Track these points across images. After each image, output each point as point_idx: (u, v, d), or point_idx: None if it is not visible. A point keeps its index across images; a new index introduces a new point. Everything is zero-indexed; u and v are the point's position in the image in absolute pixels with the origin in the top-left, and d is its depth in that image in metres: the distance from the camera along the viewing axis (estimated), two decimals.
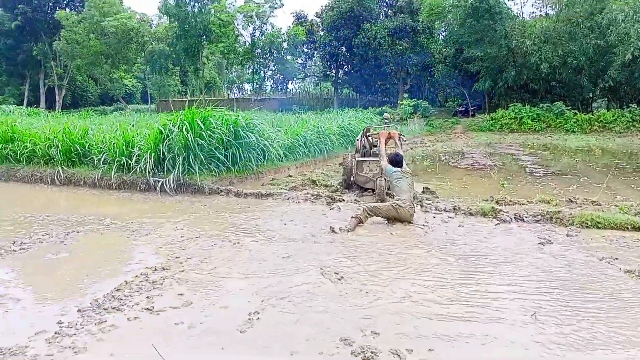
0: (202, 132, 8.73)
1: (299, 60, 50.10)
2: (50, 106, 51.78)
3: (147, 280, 4.04)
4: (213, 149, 8.93)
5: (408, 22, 40.35)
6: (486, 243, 5.16)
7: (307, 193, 7.69)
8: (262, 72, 45.85)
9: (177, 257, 4.62)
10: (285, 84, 52.89)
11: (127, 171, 9.03)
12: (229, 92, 68.03)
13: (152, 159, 8.64)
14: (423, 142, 23.73)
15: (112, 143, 9.41)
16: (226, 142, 9.23)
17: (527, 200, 7.32)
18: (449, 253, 4.79)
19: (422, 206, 6.84)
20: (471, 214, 6.45)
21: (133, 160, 8.92)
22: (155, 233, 5.60)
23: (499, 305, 3.54)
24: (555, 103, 31.06)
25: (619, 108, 34.27)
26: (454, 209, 6.59)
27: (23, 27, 48.39)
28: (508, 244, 5.12)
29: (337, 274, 4.13)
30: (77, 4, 51.86)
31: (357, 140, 9.36)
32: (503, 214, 6.26)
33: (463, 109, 41.41)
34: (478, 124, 33.61)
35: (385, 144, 7.81)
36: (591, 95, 38.21)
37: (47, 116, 21.73)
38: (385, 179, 7.41)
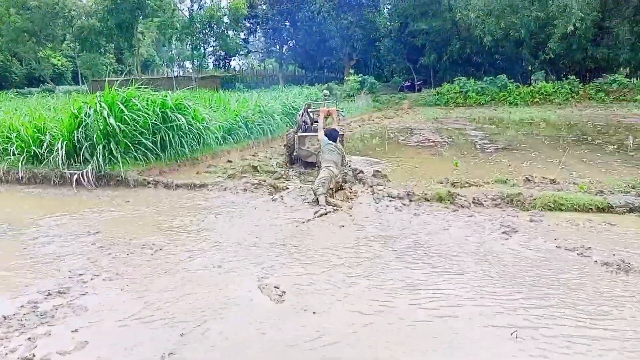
0: (125, 116, 7.65)
1: (241, 36, 48.13)
2: None
3: (34, 311, 3.16)
4: (138, 134, 7.87)
5: None
6: (445, 236, 4.59)
7: (247, 182, 6.88)
8: (202, 48, 43.62)
9: (81, 275, 3.73)
10: (227, 61, 50.72)
11: (39, 163, 7.85)
12: (169, 71, 64.93)
13: (65, 148, 7.51)
14: (371, 118, 23.24)
15: (20, 130, 8.15)
16: (153, 126, 8.18)
17: (483, 181, 6.85)
18: (405, 251, 4.18)
19: (373, 192, 6.21)
20: (427, 200, 5.89)
21: (44, 150, 7.76)
22: (60, 241, 4.65)
23: (465, 321, 2.95)
24: (499, 76, 31.40)
25: (556, 80, 35.23)
26: (408, 194, 6.00)
27: None
28: (469, 235, 4.57)
29: (277, 287, 3.40)
30: None
31: (299, 116, 9.63)
32: (460, 199, 5.74)
33: (409, 84, 41.33)
34: (425, 98, 33.57)
35: (325, 120, 8.09)
36: (530, 68, 39.10)
37: None
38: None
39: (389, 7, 42.74)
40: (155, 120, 8.17)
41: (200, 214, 5.56)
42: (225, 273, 3.75)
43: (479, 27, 32.36)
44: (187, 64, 51.07)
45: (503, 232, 4.62)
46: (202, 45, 43.53)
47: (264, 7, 42.41)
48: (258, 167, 8.06)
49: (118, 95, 7.74)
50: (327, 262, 3.94)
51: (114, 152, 7.48)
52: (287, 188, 6.65)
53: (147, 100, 8.17)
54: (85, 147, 7.56)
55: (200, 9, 41.85)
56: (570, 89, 29.63)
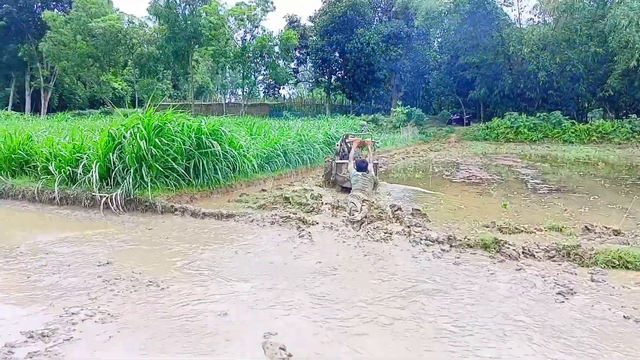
0: (158, 140, 7.51)
1: (291, 65, 49.05)
2: (37, 109, 50.41)
3: (7, 358, 2.82)
4: (170, 159, 7.70)
5: (403, 27, 39.43)
6: (487, 290, 3.98)
7: (276, 214, 6.48)
8: (252, 76, 44.67)
9: (73, 314, 3.39)
10: (277, 89, 51.73)
11: (73, 183, 7.81)
12: (221, 97, 66.95)
13: (98, 170, 7.41)
14: (416, 151, 22.63)
15: (59, 150, 8.18)
16: (187, 152, 8.01)
17: (534, 227, 6.16)
18: (440, 312, 3.61)
19: (409, 234, 5.66)
20: (469, 246, 5.28)
21: (79, 171, 7.72)
22: (67, 271, 4.38)
23: None
24: (553, 112, 30.14)
25: (615, 118, 33.44)
26: (449, 239, 5.41)
27: (8, 27, 47.07)
28: (517, 294, 3.94)
29: (283, 349, 2.93)
30: (65, 5, 50.60)
31: (337, 144, 10.68)
32: (508, 247, 5.09)
33: (457, 117, 40.52)
34: (473, 132, 32.63)
35: (360, 150, 9.09)
36: (587, 105, 37.40)
37: (19, 118, 20.48)
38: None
39: (439, 40, 42.39)
40: (189, 146, 8.00)
41: (220, 249, 5.19)
42: (229, 323, 3.32)
43: (533, 61, 31.36)
44: (239, 92, 52.53)
45: (558, 293, 3.96)
46: (253, 73, 44.57)
47: (315, 38, 43.11)
48: (290, 199, 7.67)
49: (153, 118, 7.62)
50: (346, 321, 3.43)
51: (145, 176, 7.32)
52: (317, 223, 6.21)
53: (182, 125, 8.02)
54: (118, 169, 7.45)
55: (252, 39, 43.02)
56: (631, 128, 27.95)
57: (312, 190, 9.08)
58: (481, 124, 33.57)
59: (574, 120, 30.20)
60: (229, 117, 26.71)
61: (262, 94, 58.18)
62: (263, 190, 8.99)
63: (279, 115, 39.65)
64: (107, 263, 4.59)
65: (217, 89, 77.21)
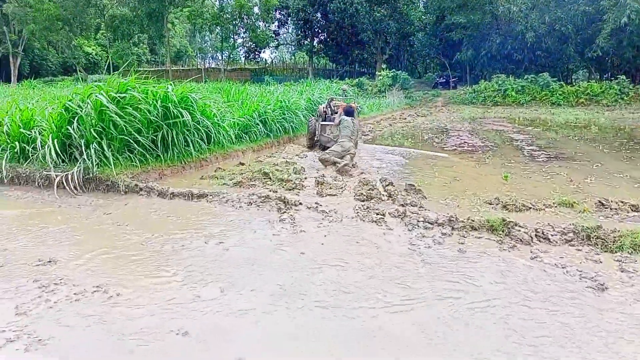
0: (119, 110, 6.63)
1: (272, 27, 47.24)
2: (7, 77, 47.99)
3: None
4: (135, 132, 6.84)
5: None
6: (505, 292, 3.34)
7: (253, 194, 5.74)
8: (232, 39, 42.87)
9: None
10: (258, 53, 49.94)
11: (25, 160, 6.94)
12: (201, 62, 64.69)
13: (54, 145, 6.54)
14: (402, 116, 21.87)
15: (6, 124, 7.25)
16: (154, 123, 7.16)
17: (542, 202, 5.54)
18: (449, 320, 2.97)
19: (404, 215, 4.98)
20: (473, 229, 4.64)
21: (31, 147, 6.85)
22: None
23: None
24: (541, 74, 29.50)
25: (599, 80, 32.96)
26: (450, 220, 4.76)
27: None
28: (539, 291, 3.32)
29: None
30: None
31: (321, 106, 10.77)
32: (519, 230, 4.46)
33: (443, 80, 39.66)
34: (460, 96, 31.91)
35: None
36: (573, 67, 36.82)
37: None
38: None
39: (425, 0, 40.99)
40: (155, 116, 7.13)
41: (188, 239, 4.46)
42: (189, 346, 2.63)
43: (522, 21, 30.43)
44: (220, 56, 50.57)
45: (587, 288, 3.35)
46: (232, 36, 42.77)
47: None
48: (270, 174, 6.93)
49: (112, 86, 6.71)
50: (331, 340, 2.77)
51: (106, 151, 6.48)
52: (300, 203, 5.49)
53: (146, 93, 7.12)
54: (76, 144, 6.59)
55: None
56: (619, 89, 27.49)
57: (295, 163, 8.33)
58: (468, 87, 32.83)
59: (562, 83, 29.62)
60: (207, 83, 25.49)
61: (243, 59, 56.28)
62: (241, 163, 8.22)
63: (260, 80, 38.29)
64: (49, 261, 3.84)
65: (197, 54, 74.73)
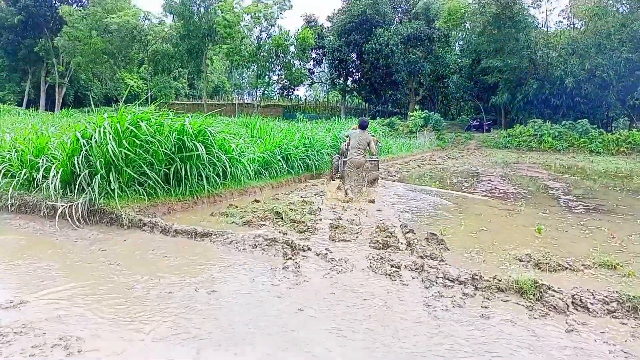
0: (131, 141, 6.43)
1: (307, 66, 47.97)
2: (52, 105, 50.15)
3: None
4: (147, 163, 6.61)
5: (423, 29, 38.07)
6: None
7: (259, 236, 5.33)
8: (267, 76, 43.68)
9: None
10: (292, 90, 50.69)
11: (34, 189, 6.78)
12: (237, 98, 66.17)
13: (61, 175, 6.35)
14: (432, 158, 21.34)
15: (19, 151, 7.16)
16: (167, 156, 6.93)
17: (580, 262, 4.92)
18: None
19: (422, 269, 4.46)
20: (500, 290, 4.06)
21: (40, 175, 6.69)
22: None
23: None
24: (580, 120, 28.54)
25: None
26: (473, 279, 4.20)
27: (26, 22, 47.00)
28: None
29: None
30: (82, 0, 50.35)
31: (343, 144, 10.24)
32: (553, 295, 3.87)
33: (477, 123, 39.03)
34: (493, 140, 31.18)
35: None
36: (612, 115, 35.62)
37: (27, 114, 19.74)
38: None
39: (461, 43, 40.91)
40: (169, 149, 6.90)
41: (178, 284, 4.05)
42: None
43: (561, 66, 29.78)
44: (258, 92, 51.49)
45: None
46: (268, 73, 43.58)
47: (332, 37, 41.98)
48: (283, 214, 6.52)
49: (126, 117, 6.54)
50: None
51: (113, 182, 6.24)
52: (309, 249, 5.04)
53: (161, 125, 6.93)
54: (83, 175, 6.38)
55: (268, 38, 42.07)
56: None
57: (312, 202, 7.92)
58: (502, 131, 32.08)
59: (601, 130, 28.57)
60: (238, 118, 25.70)
61: (277, 95, 57.24)
62: (256, 201, 7.86)
63: (292, 117, 38.60)
64: (20, 303, 3.49)
65: (234, 89, 76.65)
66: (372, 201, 8.46)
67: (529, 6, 31.56)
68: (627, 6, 29.05)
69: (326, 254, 4.91)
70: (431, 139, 28.95)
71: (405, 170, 15.13)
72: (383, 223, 6.41)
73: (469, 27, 33.32)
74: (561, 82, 29.97)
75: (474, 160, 21.42)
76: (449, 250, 5.31)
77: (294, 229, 5.99)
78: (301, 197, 8.61)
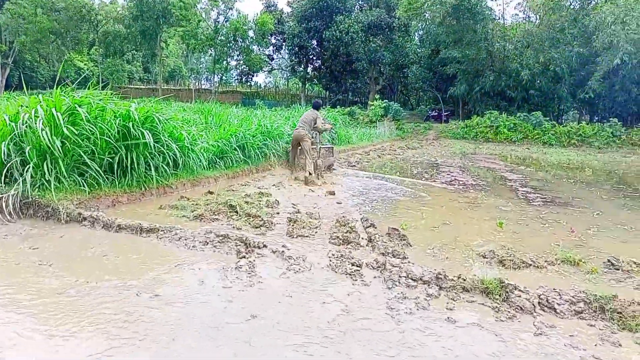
0: (70, 127, 5.86)
1: (267, 52, 47.07)
2: None
3: None
4: (88, 151, 6.06)
5: (384, 17, 38.00)
6: None
7: (211, 232, 4.94)
8: (225, 61, 42.52)
9: None
10: (251, 76, 49.64)
11: None
12: (195, 83, 64.38)
13: None
14: (392, 148, 21.31)
15: None
16: (110, 144, 6.38)
17: (544, 258, 4.82)
18: None
19: (384, 268, 4.21)
20: (465, 290, 3.88)
21: None
22: None
23: None
24: (534, 113, 29.31)
25: (589, 122, 32.96)
26: (437, 278, 3.99)
27: None
28: None
29: None
30: None
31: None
32: (519, 295, 3.71)
33: (436, 113, 39.51)
34: (452, 130, 31.58)
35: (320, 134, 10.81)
36: (562, 107, 36.85)
37: None
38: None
39: (421, 32, 41.15)
40: (112, 136, 6.36)
41: (117, 287, 3.64)
42: None
43: (517, 59, 30.40)
44: (216, 78, 50.00)
45: None
46: (226, 59, 42.42)
47: (292, 23, 41.27)
48: (238, 207, 6.15)
49: (63, 101, 5.95)
50: None
51: (48, 173, 5.67)
52: (264, 246, 4.71)
53: (103, 110, 6.36)
54: (14, 164, 5.77)
55: (226, 21, 40.87)
56: (612, 132, 27.28)
57: (269, 194, 7.57)
58: (460, 122, 32.56)
59: (554, 122, 29.47)
60: (195, 104, 24.83)
61: (236, 81, 56.00)
62: (210, 192, 7.43)
63: (251, 104, 37.81)
64: None
65: (191, 75, 74.47)
66: (332, 193, 8.19)
67: None
68: (579, 1, 29.90)
69: (283, 251, 4.59)
70: (391, 129, 29.01)
71: (366, 160, 14.96)
72: (343, 217, 6.15)
73: (429, 17, 33.44)
74: (517, 74, 30.63)
75: (433, 150, 21.56)
76: (411, 246, 5.10)
77: (249, 223, 5.63)
78: (258, 188, 8.24)
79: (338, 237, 5.13)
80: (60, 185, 5.78)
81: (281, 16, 44.89)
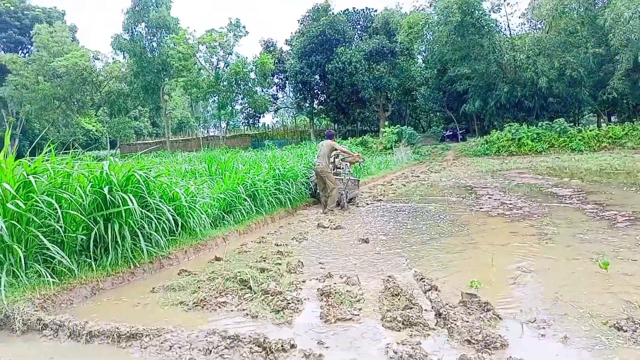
0: (14, 204, 4.50)
1: (270, 92, 46.49)
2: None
3: None
4: (50, 233, 4.69)
5: (385, 43, 37.17)
6: None
7: (213, 332, 3.46)
8: (229, 106, 41.88)
9: None
10: (257, 118, 48.99)
11: None
12: (204, 131, 64.06)
13: None
14: (414, 173, 19.83)
15: None
16: (89, 214, 5.02)
17: None
18: None
19: None
20: None
21: None
22: None
23: None
24: (556, 120, 27.75)
25: (608, 123, 31.27)
26: None
27: None
28: None
29: None
30: (26, 45, 47.97)
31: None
32: None
33: (450, 133, 38.11)
34: (471, 148, 30.07)
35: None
36: (582, 111, 35.23)
37: None
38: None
39: (424, 54, 40.19)
40: (90, 206, 5.00)
41: None
42: None
43: (531, 68, 29.04)
44: (224, 124, 49.16)
45: None
46: (230, 103, 41.81)
47: (293, 61, 40.69)
48: (251, 280, 4.67)
49: (11, 173, 4.63)
50: None
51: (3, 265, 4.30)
52: (292, 346, 3.21)
53: (68, 176, 5.03)
54: None
55: (226, 67, 40.44)
56: None
57: (290, 253, 6.11)
58: (478, 139, 31.05)
59: (580, 127, 27.84)
60: (203, 152, 23.75)
61: (243, 125, 55.45)
62: (216, 259, 5.98)
63: (261, 146, 36.87)
64: None
65: (199, 123, 74.40)
66: (366, 241, 6.70)
67: (489, 11, 30.99)
68: (583, 8, 28.61)
69: (320, 355, 3.09)
70: (408, 154, 27.58)
71: (391, 191, 13.47)
72: (390, 279, 4.64)
73: (432, 37, 32.47)
74: (532, 83, 29.26)
75: (458, 171, 20.00)
76: (501, 319, 3.55)
77: (268, 305, 4.14)
78: (275, 245, 6.78)
79: (394, 317, 3.61)
80: (17, 280, 4.39)
81: (281, 55, 44.46)
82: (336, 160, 10.92)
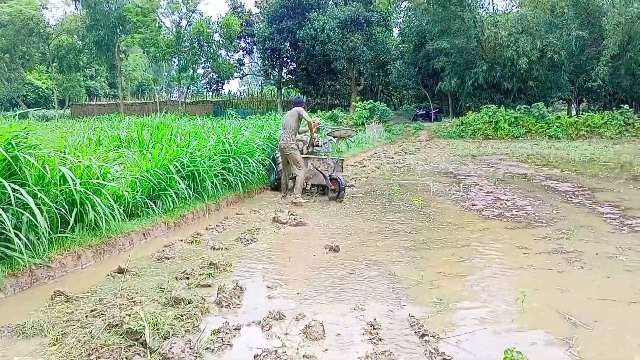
0: None
1: (236, 56, 43.66)
2: None
3: None
4: None
5: (361, 11, 34.91)
6: None
7: None
8: (190, 69, 38.93)
9: None
10: (221, 84, 46.07)
11: None
12: (165, 96, 60.42)
13: None
14: (387, 154, 18.20)
15: None
16: None
17: None
18: None
19: None
20: None
21: None
22: None
23: None
24: (535, 104, 26.59)
25: (579, 111, 30.60)
26: None
27: None
28: None
29: None
30: None
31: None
32: None
33: (424, 112, 36.70)
34: (445, 129, 28.68)
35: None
36: (551, 97, 34.39)
37: None
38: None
39: (402, 26, 38.23)
40: None
41: None
42: None
43: (512, 46, 27.62)
44: (185, 89, 45.89)
45: None
46: (192, 66, 38.85)
47: (262, 25, 37.98)
48: (144, 334, 2.82)
49: None
50: None
51: None
52: None
53: None
54: None
55: (189, 26, 37.35)
56: (623, 120, 24.69)
57: (229, 265, 4.30)
58: (453, 119, 29.65)
59: (559, 114, 26.85)
60: (156, 117, 21.33)
61: (206, 91, 52.35)
62: (119, 271, 4.11)
63: (223, 114, 34.42)
64: None
65: (162, 87, 70.43)
66: (336, 249, 4.96)
67: None
68: None
69: None
70: (380, 132, 25.95)
71: (364, 174, 11.76)
72: (375, 329, 2.92)
73: (411, 5, 30.55)
74: (512, 63, 27.94)
75: (434, 154, 18.51)
76: None
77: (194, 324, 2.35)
78: (211, 248, 4.95)
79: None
80: None
81: (249, 17, 41.58)
82: (315, 135, 8.42)
